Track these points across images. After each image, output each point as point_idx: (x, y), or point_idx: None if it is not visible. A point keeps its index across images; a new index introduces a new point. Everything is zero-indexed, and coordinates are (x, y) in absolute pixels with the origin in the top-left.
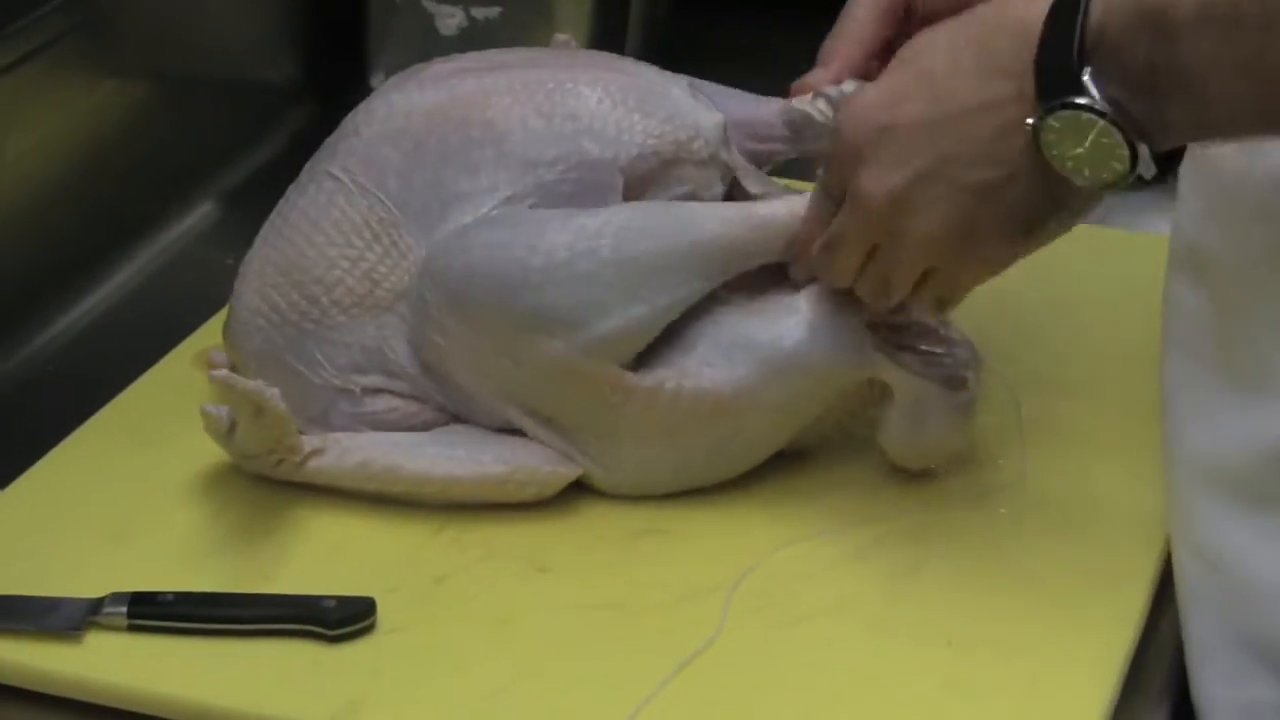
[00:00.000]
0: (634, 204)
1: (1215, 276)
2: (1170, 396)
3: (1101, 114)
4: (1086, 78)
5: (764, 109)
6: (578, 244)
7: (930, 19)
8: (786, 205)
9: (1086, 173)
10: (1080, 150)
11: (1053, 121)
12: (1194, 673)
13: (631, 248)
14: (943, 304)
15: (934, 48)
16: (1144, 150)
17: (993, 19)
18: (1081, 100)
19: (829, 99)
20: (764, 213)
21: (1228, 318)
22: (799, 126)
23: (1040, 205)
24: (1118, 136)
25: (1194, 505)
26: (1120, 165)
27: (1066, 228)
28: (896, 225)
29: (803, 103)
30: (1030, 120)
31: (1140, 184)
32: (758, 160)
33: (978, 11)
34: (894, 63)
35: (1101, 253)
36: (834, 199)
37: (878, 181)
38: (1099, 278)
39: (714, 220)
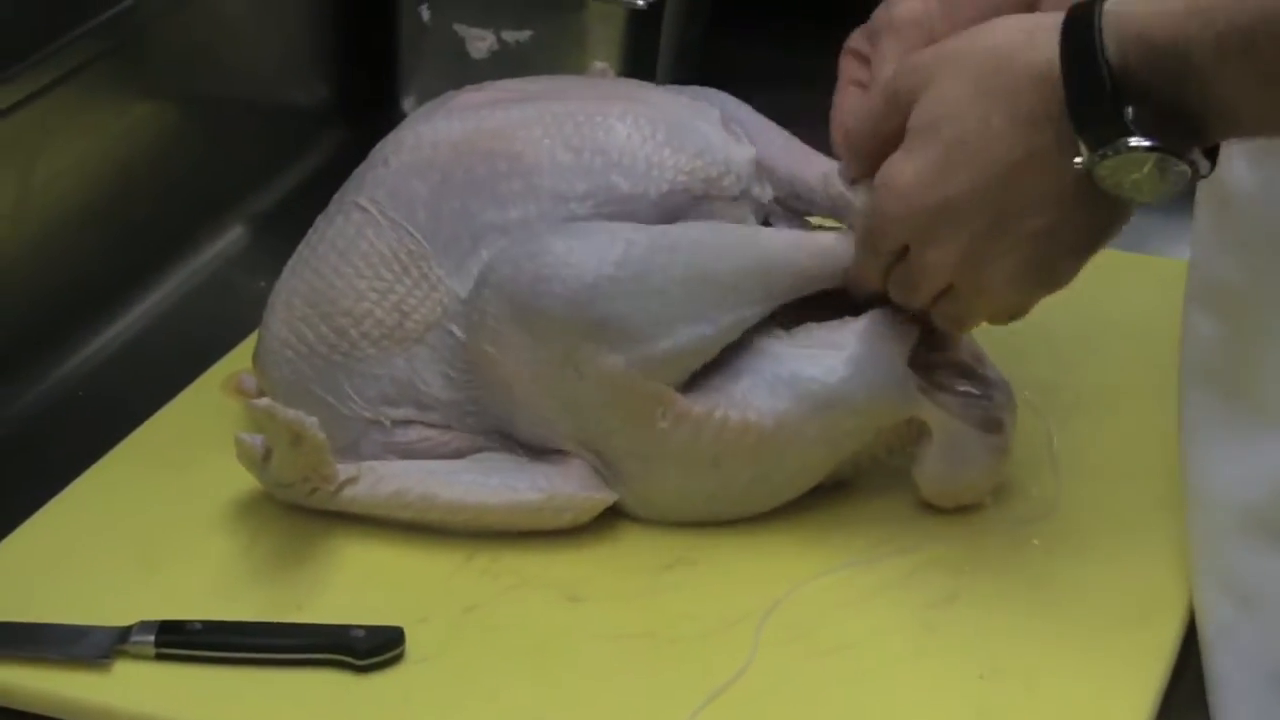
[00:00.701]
0: (704, 222)
1: (1235, 309)
2: (1191, 430)
3: (1153, 148)
4: (1129, 118)
5: (810, 170)
6: (652, 258)
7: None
8: (841, 240)
9: (1147, 190)
10: (1138, 176)
11: (1106, 163)
12: (1221, 711)
13: (704, 265)
14: (1012, 319)
15: (955, 112)
16: (1199, 158)
17: (1006, 69)
18: (1132, 141)
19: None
20: (823, 242)
21: (1249, 350)
22: (840, 206)
23: (1103, 223)
24: (1172, 160)
25: (1220, 542)
26: (1182, 177)
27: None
28: (969, 282)
29: (845, 184)
30: (1079, 160)
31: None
32: (795, 212)
33: (982, 63)
34: (914, 136)
35: (1132, 280)
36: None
37: (943, 255)
38: (1130, 306)
39: (780, 242)
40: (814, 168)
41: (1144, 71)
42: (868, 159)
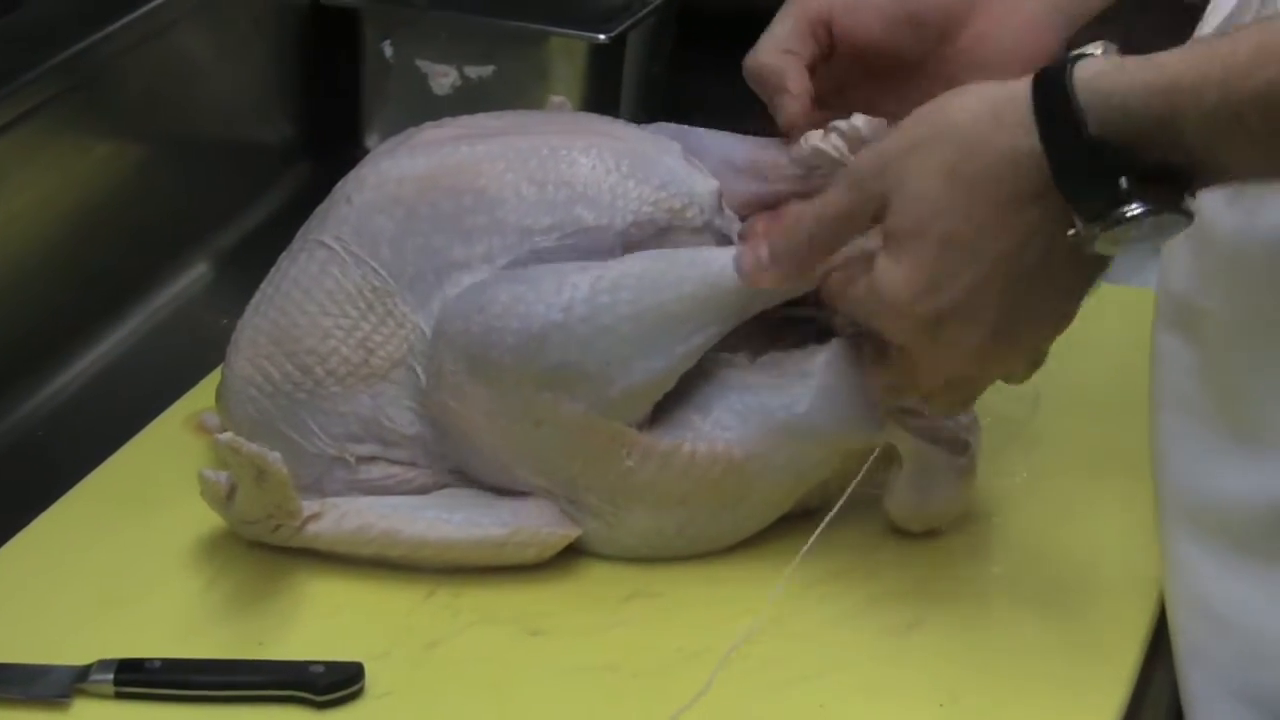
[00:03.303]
0: (648, 252)
1: (1210, 334)
2: (1164, 452)
3: (1150, 211)
4: (1123, 188)
5: (770, 151)
6: (597, 297)
7: (848, 39)
8: None
9: (1145, 240)
10: (1136, 234)
11: (1105, 234)
12: None
13: (649, 297)
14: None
15: (936, 210)
16: (1190, 205)
17: (980, 154)
18: (1129, 211)
19: (842, 133)
20: None
21: (1224, 375)
22: (813, 164)
23: (1097, 270)
24: (1167, 215)
25: (1194, 561)
26: (1179, 225)
27: None
28: (989, 366)
29: (816, 139)
30: (1074, 232)
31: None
32: (764, 202)
33: (953, 152)
34: (897, 242)
35: (1094, 309)
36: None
37: (957, 348)
38: (1093, 334)
39: (727, 261)
40: (774, 145)
41: (1129, 140)
42: (826, 254)
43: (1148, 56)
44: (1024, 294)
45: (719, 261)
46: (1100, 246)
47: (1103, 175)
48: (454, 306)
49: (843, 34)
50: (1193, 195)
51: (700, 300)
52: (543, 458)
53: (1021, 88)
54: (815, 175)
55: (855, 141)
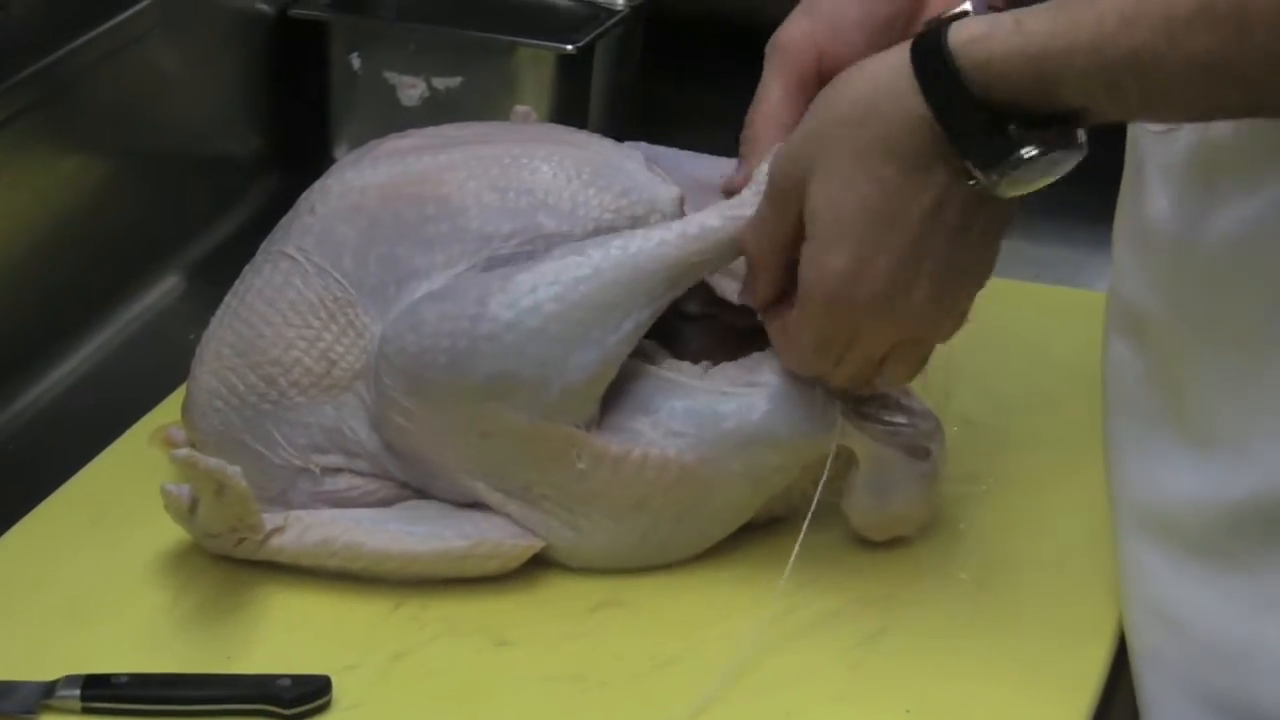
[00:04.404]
0: (567, 246)
1: (1157, 339)
2: (1116, 457)
3: (1044, 152)
4: (1013, 136)
5: (730, 168)
6: (519, 301)
7: (840, 64)
8: (720, 213)
9: (1047, 176)
10: (1034, 174)
11: (1005, 180)
12: None
13: (571, 291)
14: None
15: (848, 186)
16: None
17: (876, 124)
18: (1024, 153)
19: None
20: (701, 223)
21: (1170, 378)
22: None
23: (1009, 213)
24: (1061, 152)
25: (1148, 564)
26: (1077, 155)
27: None
28: (933, 326)
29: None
30: (974, 183)
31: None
32: None
33: (853, 130)
34: (819, 226)
35: (1058, 314)
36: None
37: (902, 316)
38: (1057, 339)
39: (650, 242)
40: (716, 165)
41: (1011, 97)
42: (776, 270)
43: (1017, 17)
44: (955, 249)
45: (635, 244)
46: (1004, 191)
47: (991, 128)
48: (391, 328)
49: (833, 61)
50: (1083, 130)
51: (625, 285)
52: (495, 468)
53: (903, 57)
54: None
55: None
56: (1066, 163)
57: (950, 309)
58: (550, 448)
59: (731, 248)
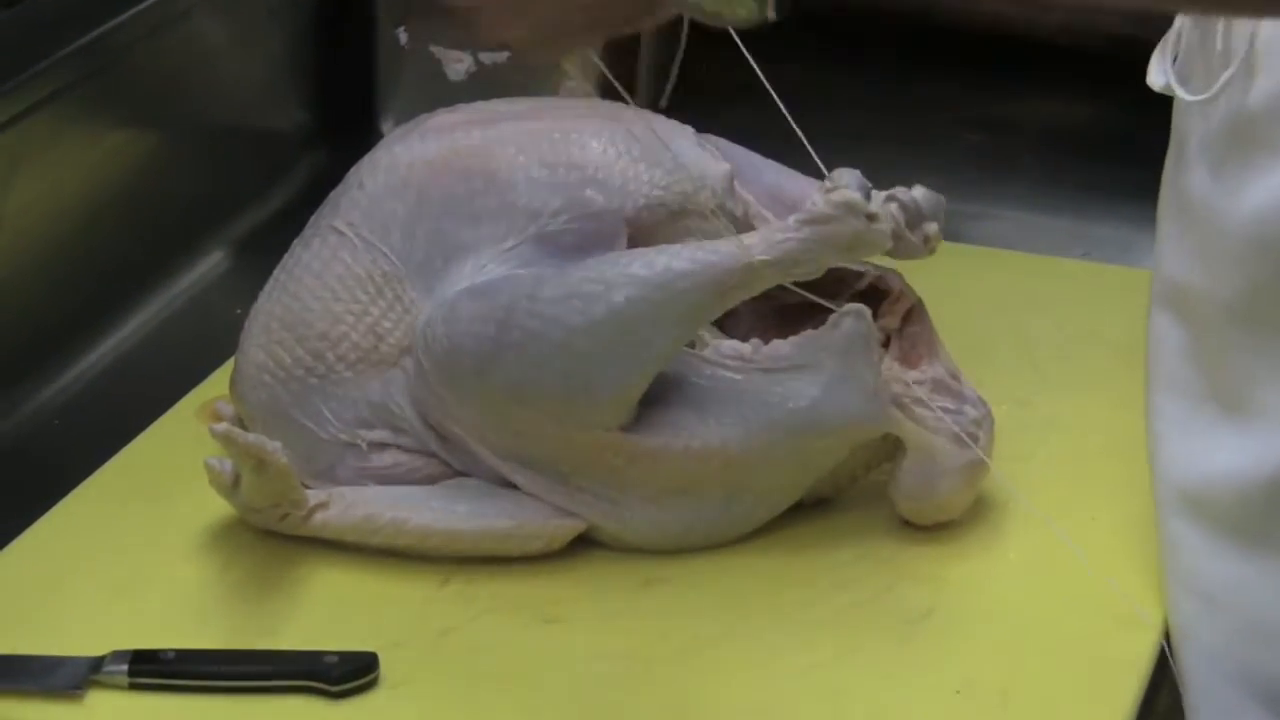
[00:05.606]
0: (602, 258)
1: (1198, 313)
2: (1157, 432)
3: None
4: None
5: (812, 189)
6: (546, 311)
7: None
8: (762, 237)
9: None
10: None
11: None
12: (1191, 711)
13: (599, 307)
14: None
15: None
16: None
17: None
18: None
19: (902, 204)
20: (733, 249)
21: (1211, 352)
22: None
23: None
24: None
25: (1187, 541)
26: None
27: None
28: None
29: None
30: None
31: None
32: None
33: None
34: None
35: (1107, 292)
36: None
37: None
38: (1106, 318)
39: (682, 261)
40: (796, 183)
41: None
42: None
43: None
44: None
45: (665, 261)
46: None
47: None
48: (432, 312)
49: None
50: None
51: (655, 304)
52: (531, 462)
53: None
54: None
55: (914, 215)
56: None
57: None
58: (583, 452)
59: (767, 276)
